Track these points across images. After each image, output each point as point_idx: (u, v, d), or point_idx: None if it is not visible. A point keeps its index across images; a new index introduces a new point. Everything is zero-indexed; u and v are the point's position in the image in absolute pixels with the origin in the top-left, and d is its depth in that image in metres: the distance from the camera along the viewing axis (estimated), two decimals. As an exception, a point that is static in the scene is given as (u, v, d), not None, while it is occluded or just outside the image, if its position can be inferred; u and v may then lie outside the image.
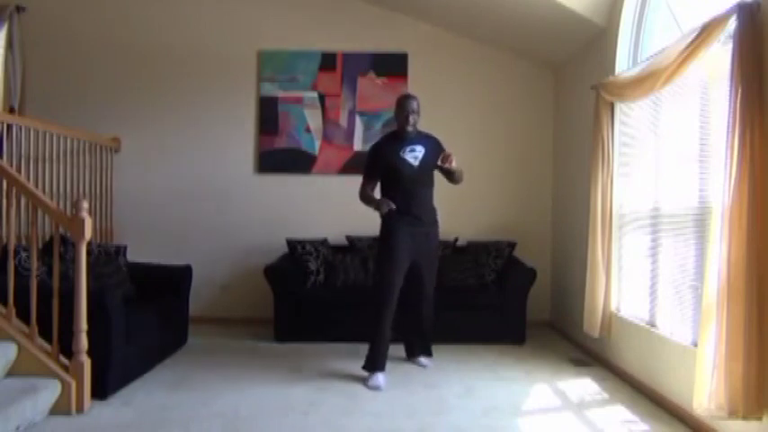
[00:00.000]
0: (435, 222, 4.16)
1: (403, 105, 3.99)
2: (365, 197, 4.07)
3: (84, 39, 5.60)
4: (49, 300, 3.15)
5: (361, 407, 3.32)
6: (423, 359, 4.23)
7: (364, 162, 4.19)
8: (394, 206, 3.84)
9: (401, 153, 3.99)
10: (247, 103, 5.61)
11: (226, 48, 5.60)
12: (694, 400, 2.71)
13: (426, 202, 4.07)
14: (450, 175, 4.01)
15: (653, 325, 3.61)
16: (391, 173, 4.01)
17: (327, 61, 5.57)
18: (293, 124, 5.58)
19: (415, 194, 3.99)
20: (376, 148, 4.17)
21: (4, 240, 3.55)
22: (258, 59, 5.59)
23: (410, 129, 3.99)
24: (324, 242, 5.18)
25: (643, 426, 3.09)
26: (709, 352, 2.64)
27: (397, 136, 4.06)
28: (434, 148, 4.04)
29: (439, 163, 3.87)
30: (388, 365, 3.94)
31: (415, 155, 3.99)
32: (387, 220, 3.97)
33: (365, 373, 3.85)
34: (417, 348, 4.27)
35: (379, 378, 3.77)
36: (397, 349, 4.34)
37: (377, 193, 4.11)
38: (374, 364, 3.85)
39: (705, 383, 2.65)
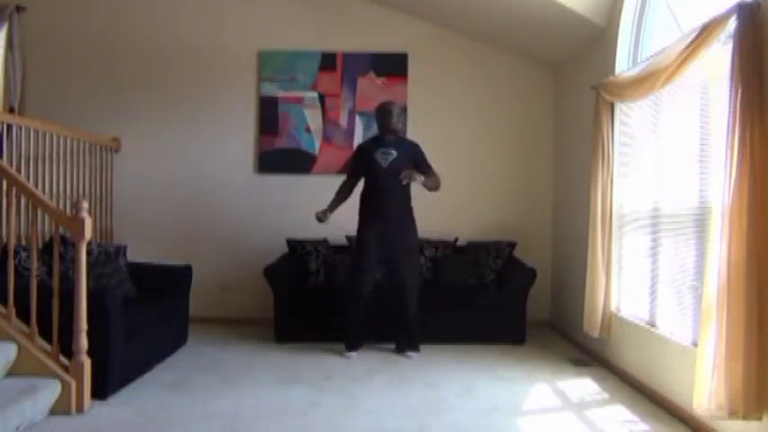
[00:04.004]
0: (407, 222, 4.42)
1: (387, 110, 4.41)
2: (336, 193, 4.58)
3: (84, 39, 5.60)
4: (49, 300, 3.15)
5: (360, 407, 3.32)
6: (409, 353, 4.39)
7: (348, 160, 4.70)
8: (323, 220, 4.41)
9: (375, 154, 4.39)
10: (247, 103, 5.61)
11: (226, 48, 5.60)
12: (694, 400, 2.71)
13: (396, 203, 4.36)
14: (425, 183, 4.40)
15: (653, 325, 3.60)
16: (365, 172, 4.47)
17: (327, 61, 5.57)
18: (293, 124, 5.58)
19: (384, 194, 4.36)
20: (359, 147, 4.65)
21: (4, 240, 3.55)
22: (258, 59, 5.59)
23: (391, 133, 4.41)
24: (324, 242, 5.18)
25: (643, 426, 3.09)
26: (709, 352, 2.64)
27: (378, 139, 4.50)
28: (408, 153, 4.45)
29: (402, 179, 4.24)
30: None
31: (385, 157, 4.38)
32: (359, 219, 4.44)
33: (346, 355, 4.38)
34: (402, 343, 4.43)
35: (351, 354, 4.36)
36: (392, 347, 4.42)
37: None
38: (347, 344, 4.42)
39: (705, 383, 2.65)
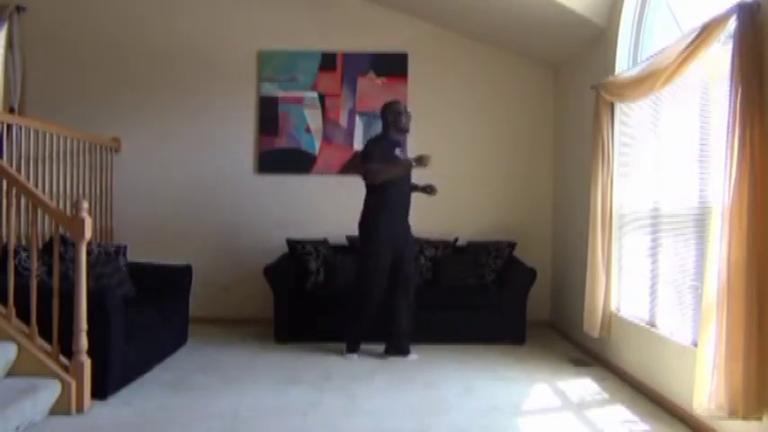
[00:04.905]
0: (408, 223, 4.42)
1: (399, 109, 4.33)
2: (382, 171, 4.16)
3: (84, 39, 5.60)
4: (49, 300, 3.15)
5: (360, 407, 3.32)
6: (407, 356, 4.32)
7: (367, 152, 4.32)
8: (427, 159, 4.10)
9: (394, 152, 4.30)
10: (247, 103, 5.61)
11: (226, 48, 5.60)
12: (694, 400, 2.71)
13: (407, 204, 4.37)
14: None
15: (653, 325, 3.61)
16: None
17: (327, 61, 5.57)
18: (293, 124, 5.58)
19: (403, 195, 4.32)
20: (374, 141, 4.40)
21: (4, 240, 3.55)
22: (258, 59, 5.59)
23: (400, 133, 4.36)
24: (324, 242, 5.18)
25: (643, 426, 3.09)
26: (709, 352, 2.64)
27: (388, 138, 4.36)
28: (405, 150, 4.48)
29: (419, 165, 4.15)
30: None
31: (404, 156, 4.35)
32: (375, 218, 4.23)
33: (348, 356, 4.33)
34: (395, 345, 4.34)
35: (353, 356, 4.32)
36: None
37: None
38: (350, 346, 4.36)
39: (705, 383, 2.65)
